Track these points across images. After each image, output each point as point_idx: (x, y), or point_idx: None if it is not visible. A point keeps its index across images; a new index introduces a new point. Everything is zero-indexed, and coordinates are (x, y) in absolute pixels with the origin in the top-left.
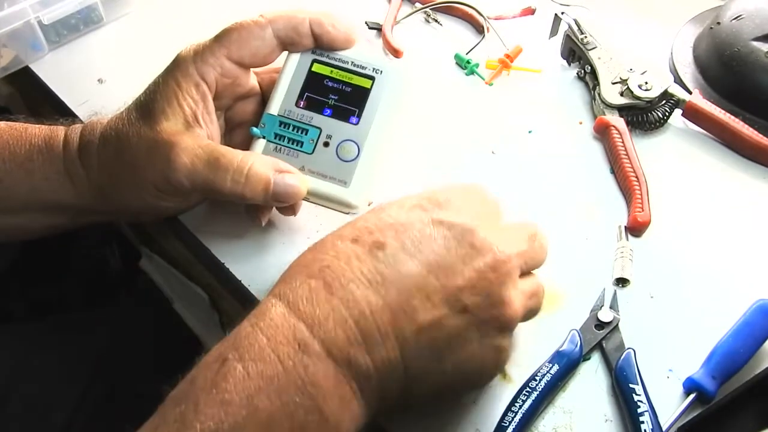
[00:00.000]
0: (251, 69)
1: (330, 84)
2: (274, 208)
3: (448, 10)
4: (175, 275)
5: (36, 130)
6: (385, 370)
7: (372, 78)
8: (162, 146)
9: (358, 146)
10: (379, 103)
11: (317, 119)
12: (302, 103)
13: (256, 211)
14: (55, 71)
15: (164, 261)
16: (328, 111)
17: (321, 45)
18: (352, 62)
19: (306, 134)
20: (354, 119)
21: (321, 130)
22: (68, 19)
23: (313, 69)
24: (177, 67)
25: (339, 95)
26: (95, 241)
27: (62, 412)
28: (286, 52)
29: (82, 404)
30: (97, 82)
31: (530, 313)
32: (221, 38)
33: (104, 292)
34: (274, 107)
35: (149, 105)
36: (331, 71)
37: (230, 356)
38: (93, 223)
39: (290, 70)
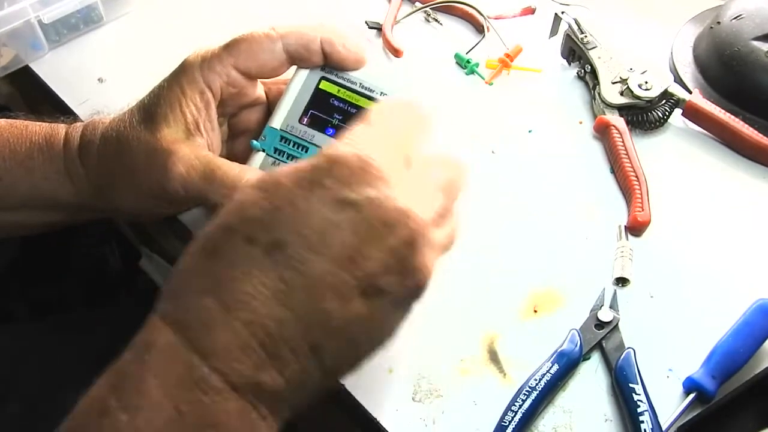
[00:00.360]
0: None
1: (336, 103)
2: None
3: (448, 10)
4: None
5: (37, 128)
6: (300, 381)
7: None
8: (160, 153)
9: None
10: None
11: (319, 138)
12: (306, 119)
13: None
14: (55, 70)
15: (164, 261)
16: (331, 131)
17: (330, 63)
18: (360, 84)
19: (306, 152)
20: None
21: (321, 150)
22: (68, 18)
23: (320, 86)
24: (183, 73)
25: (343, 115)
26: (95, 240)
27: None
28: (294, 66)
29: None
30: (97, 82)
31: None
32: (230, 47)
33: (104, 292)
34: (277, 121)
35: (152, 109)
36: (338, 90)
37: (112, 403)
38: (92, 220)
39: (297, 85)
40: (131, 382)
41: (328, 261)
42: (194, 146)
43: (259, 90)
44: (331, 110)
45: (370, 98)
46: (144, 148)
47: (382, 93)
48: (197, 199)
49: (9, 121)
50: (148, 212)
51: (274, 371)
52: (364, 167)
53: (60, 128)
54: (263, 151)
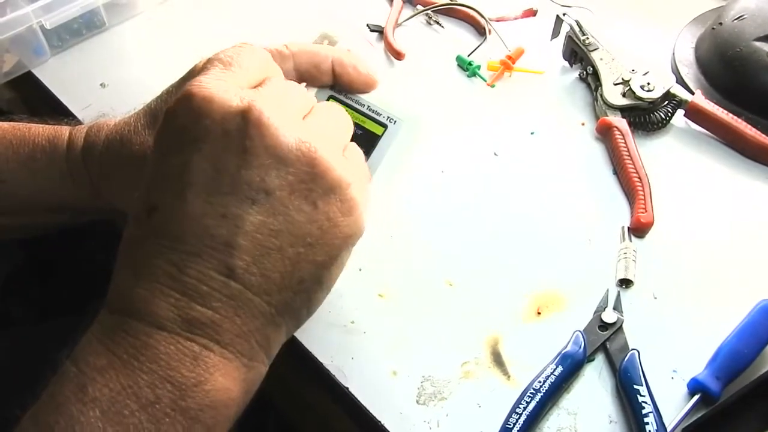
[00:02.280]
0: None
1: None
2: None
3: (450, 12)
4: None
5: (40, 130)
6: (234, 306)
7: (385, 126)
8: None
9: None
10: (386, 152)
11: None
12: None
13: None
14: (57, 76)
15: None
16: None
17: (339, 84)
18: (368, 107)
19: None
20: None
21: None
22: (71, 23)
23: None
24: (191, 77)
25: None
26: (98, 244)
27: None
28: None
29: None
30: (100, 87)
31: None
32: None
33: (106, 295)
34: None
35: (158, 114)
36: (345, 111)
37: (67, 363)
38: (95, 223)
39: None
40: (80, 346)
41: (195, 196)
42: None
43: None
44: None
45: (377, 121)
46: (142, 154)
47: (389, 118)
48: None
49: (12, 123)
50: None
51: (197, 305)
52: (189, 106)
53: (63, 130)
54: None
